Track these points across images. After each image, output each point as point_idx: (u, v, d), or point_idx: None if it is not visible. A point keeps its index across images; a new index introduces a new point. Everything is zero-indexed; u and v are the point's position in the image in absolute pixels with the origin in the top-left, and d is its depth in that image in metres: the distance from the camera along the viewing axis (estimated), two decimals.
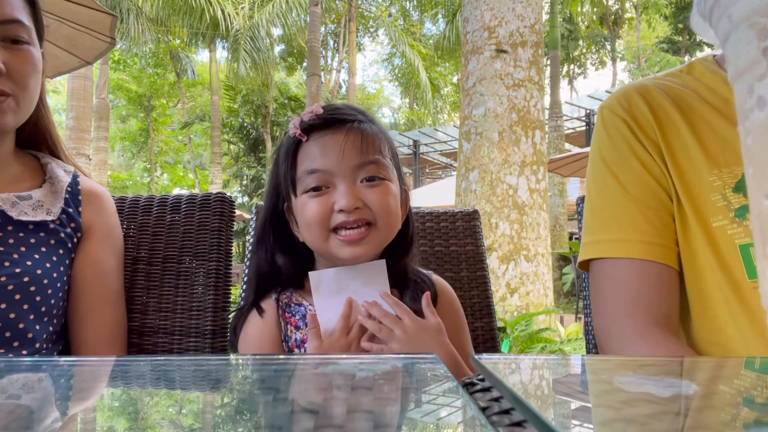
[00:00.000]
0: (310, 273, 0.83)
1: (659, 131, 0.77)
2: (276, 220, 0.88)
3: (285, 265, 0.88)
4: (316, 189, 0.80)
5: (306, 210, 0.81)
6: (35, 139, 0.96)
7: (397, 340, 0.76)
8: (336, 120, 0.82)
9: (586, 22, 20.40)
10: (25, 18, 0.84)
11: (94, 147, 11.24)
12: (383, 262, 0.82)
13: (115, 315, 0.95)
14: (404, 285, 0.88)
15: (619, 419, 0.27)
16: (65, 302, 0.89)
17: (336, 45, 20.44)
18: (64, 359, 0.66)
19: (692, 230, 0.73)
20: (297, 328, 0.86)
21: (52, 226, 0.87)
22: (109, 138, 13.45)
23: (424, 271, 0.95)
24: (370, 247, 0.80)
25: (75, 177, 0.96)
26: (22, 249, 0.82)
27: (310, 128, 0.82)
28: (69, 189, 0.92)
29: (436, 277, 0.94)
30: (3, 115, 0.82)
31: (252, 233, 1.18)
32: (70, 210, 0.91)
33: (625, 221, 0.76)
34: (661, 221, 0.75)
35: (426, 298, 0.81)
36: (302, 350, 0.85)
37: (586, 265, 0.82)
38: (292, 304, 0.87)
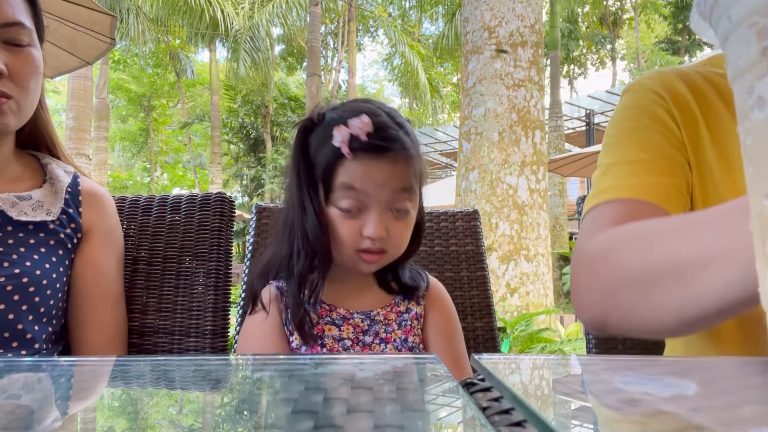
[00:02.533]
0: None
1: (698, 107, 0.75)
2: (311, 189, 0.85)
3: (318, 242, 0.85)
4: (348, 211, 0.81)
5: (339, 228, 0.83)
6: (35, 140, 0.96)
7: None
8: (384, 148, 0.80)
9: (586, 23, 20.40)
10: (27, 20, 0.84)
11: (94, 147, 11.24)
12: None
13: (115, 315, 0.95)
14: (404, 282, 0.92)
15: (619, 419, 0.27)
16: (65, 303, 0.89)
17: (336, 45, 20.44)
18: (63, 359, 0.66)
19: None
20: None
21: (51, 226, 0.87)
22: (109, 138, 13.45)
23: (417, 267, 0.98)
24: (380, 265, 0.87)
25: (75, 177, 0.96)
26: (22, 249, 0.82)
27: (358, 148, 0.80)
28: (69, 190, 0.92)
29: (429, 276, 0.97)
30: (4, 117, 0.82)
31: (252, 233, 1.18)
32: (71, 210, 0.91)
33: (642, 171, 0.71)
34: (671, 178, 0.71)
35: None
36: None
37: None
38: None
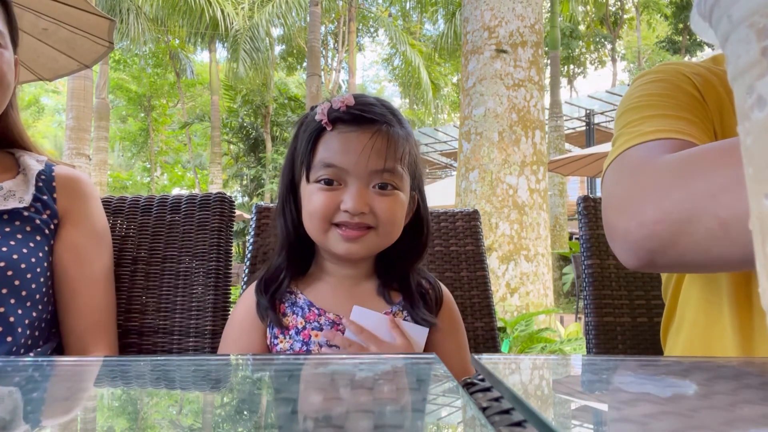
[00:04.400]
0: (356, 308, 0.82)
1: (725, 91, 0.73)
2: (294, 192, 0.87)
3: (295, 245, 0.87)
4: (328, 182, 0.79)
5: (313, 200, 0.80)
6: (7, 138, 0.97)
7: None
8: (365, 119, 0.80)
9: (586, 23, 20.41)
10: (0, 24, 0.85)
11: (94, 147, 11.24)
12: (426, 331, 0.82)
13: (99, 300, 0.93)
14: (408, 291, 0.87)
15: (619, 419, 0.27)
16: (50, 291, 0.90)
17: (336, 45, 20.45)
18: (64, 359, 0.66)
19: None
20: (284, 315, 0.85)
21: (26, 213, 0.88)
22: (109, 138, 13.45)
23: (430, 275, 0.93)
24: (365, 246, 0.81)
25: (49, 166, 0.96)
26: None
27: (336, 118, 0.80)
28: (43, 177, 0.93)
29: (444, 289, 0.92)
30: None
31: (252, 233, 1.18)
32: (44, 197, 0.91)
33: (672, 121, 0.67)
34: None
35: (390, 321, 0.81)
36: (287, 337, 0.83)
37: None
38: (284, 291, 0.86)
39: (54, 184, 0.94)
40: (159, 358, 0.61)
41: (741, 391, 0.32)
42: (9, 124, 0.96)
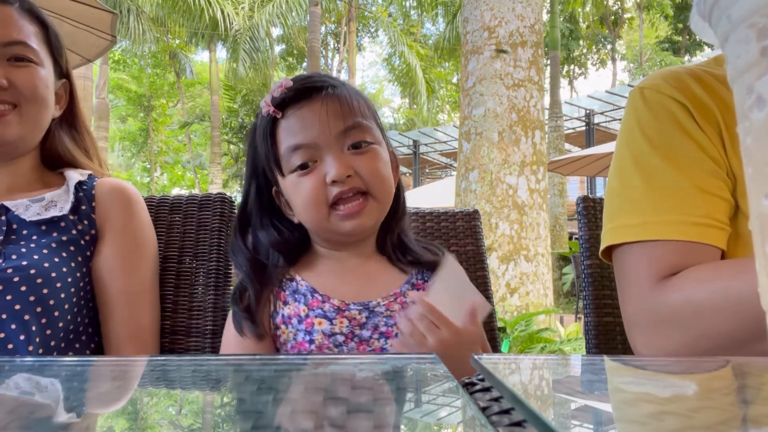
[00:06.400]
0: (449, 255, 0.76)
1: (720, 114, 0.72)
2: (262, 205, 0.85)
3: (278, 244, 0.84)
4: (303, 167, 0.77)
5: (299, 189, 0.78)
6: (56, 157, 0.98)
7: (429, 349, 0.67)
8: (309, 89, 0.78)
9: (586, 23, 20.41)
10: (33, 41, 0.90)
11: None
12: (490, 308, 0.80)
13: (136, 313, 0.92)
14: (418, 259, 0.84)
15: (620, 419, 0.28)
16: (84, 301, 0.89)
17: (336, 45, 20.45)
18: (64, 359, 0.66)
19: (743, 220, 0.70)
20: (285, 303, 0.81)
21: (63, 224, 0.88)
22: (109, 138, 13.45)
23: (434, 245, 0.88)
24: (370, 218, 0.78)
25: (92, 177, 0.97)
26: (32, 246, 0.84)
27: (283, 104, 0.78)
28: (84, 187, 0.94)
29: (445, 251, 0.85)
30: (6, 128, 0.85)
31: None
32: (83, 208, 0.92)
33: (680, 203, 0.70)
34: (717, 206, 0.70)
35: (470, 308, 0.73)
36: (288, 327, 0.80)
37: (608, 254, 0.76)
38: (284, 279, 0.83)
39: (94, 192, 0.94)
40: (159, 358, 0.61)
41: (741, 391, 0.32)
42: (57, 149, 0.97)
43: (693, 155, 0.72)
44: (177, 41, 17.84)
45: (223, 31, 14.42)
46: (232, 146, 19.67)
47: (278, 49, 19.96)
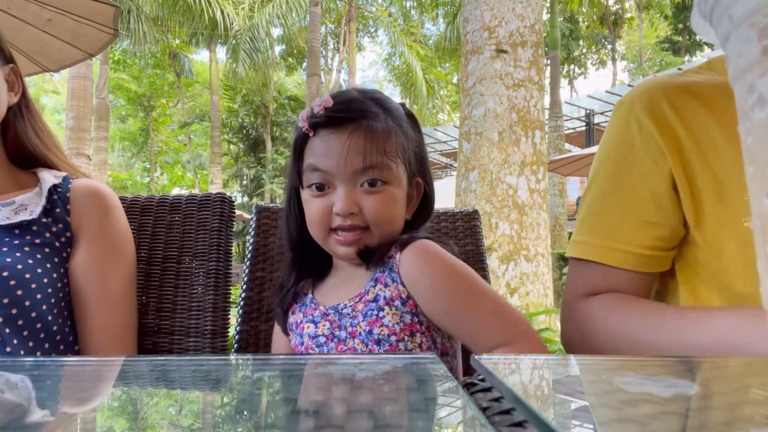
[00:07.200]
0: None
1: (685, 131, 0.74)
2: (298, 197, 0.89)
3: (302, 248, 0.89)
4: (319, 188, 0.81)
5: (310, 206, 0.83)
6: (26, 157, 0.97)
7: None
8: (342, 119, 0.79)
9: (586, 23, 20.40)
10: None
11: (94, 147, 11.24)
12: None
13: (116, 317, 0.92)
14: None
15: (619, 419, 0.27)
16: (64, 302, 0.89)
17: (336, 45, 20.44)
18: (64, 359, 0.66)
19: (722, 229, 0.71)
20: (292, 313, 0.89)
21: (35, 227, 0.87)
22: (109, 138, 13.45)
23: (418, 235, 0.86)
24: (364, 246, 0.81)
25: (67, 179, 0.96)
26: (4, 249, 0.83)
27: (316, 123, 0.81)
28: (59, 190, 0.92)
29: (415, 240, 0.82)
30: None
31: (252, 233, 1.18)
32: (57, 210, 0.90)
33: (619, 228, 0.78)
34: (649, 233, 0.76)
35: None
36: (293, 334, 0.87)
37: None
38: (299, 292, 0.90)
39: (68, 195, 0.93)
40: (159, 358, 0.61)
41: (741, 391, 0.32)
42: (23, 142, 0.95)
43: (647, 179, 0.76)
44: (177, 41, 17.84)
45: (223, 31, 14.42)
46: (232, 146, 19.67)
47: (278, 49, 19.97)
